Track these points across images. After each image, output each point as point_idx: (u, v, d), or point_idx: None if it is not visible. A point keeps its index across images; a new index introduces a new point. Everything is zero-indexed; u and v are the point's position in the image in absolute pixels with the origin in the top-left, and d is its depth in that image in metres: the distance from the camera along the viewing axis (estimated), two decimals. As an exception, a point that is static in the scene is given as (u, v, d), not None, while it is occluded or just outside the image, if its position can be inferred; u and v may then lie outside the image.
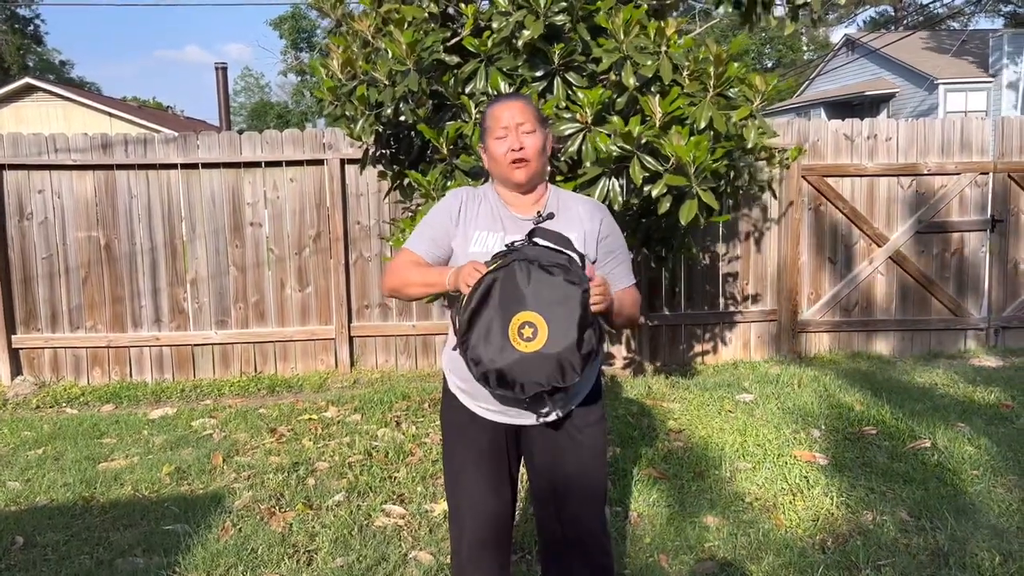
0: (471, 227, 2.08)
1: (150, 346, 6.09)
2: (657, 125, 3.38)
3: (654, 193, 3.37)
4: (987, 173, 6.30)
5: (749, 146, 3.53)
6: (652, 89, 3.53)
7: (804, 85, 29.02)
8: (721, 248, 6.23)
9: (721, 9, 4.23)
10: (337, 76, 3.89)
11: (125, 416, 5.17)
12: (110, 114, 22.07)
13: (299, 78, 39.29)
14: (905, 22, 31.76)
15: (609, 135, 3.41)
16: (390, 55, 3.65)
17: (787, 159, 4.28)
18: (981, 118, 6.56)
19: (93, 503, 3.68)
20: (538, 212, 2.06)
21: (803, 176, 6.15)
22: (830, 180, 6.21)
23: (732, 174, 3.96)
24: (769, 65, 38.75)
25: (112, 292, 6.05)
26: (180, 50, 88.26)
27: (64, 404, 5.60)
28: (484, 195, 2.16)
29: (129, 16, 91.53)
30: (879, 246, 6.28)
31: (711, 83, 3.41)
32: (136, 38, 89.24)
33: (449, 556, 2.36)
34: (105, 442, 4.62)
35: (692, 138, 3.20)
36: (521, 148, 2.04)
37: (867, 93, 22.72)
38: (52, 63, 40.84)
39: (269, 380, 6.00)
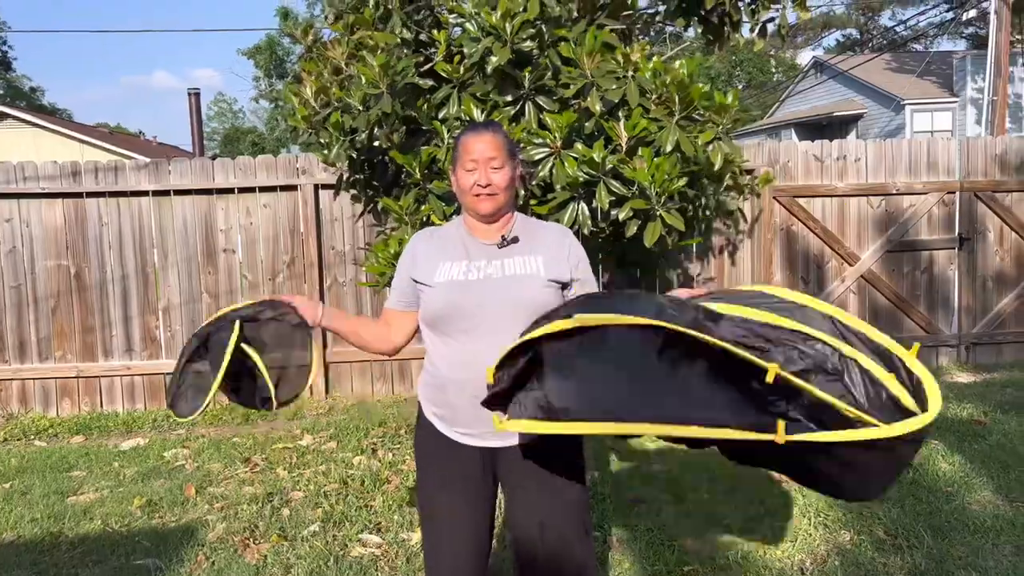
0: (434, 260, 2.11)
1: (121, 376, 5.99)
2: (623, 149, 3.41)
3: (620, 217, 3.40)
4: (954, 192, 6.41)
5: (716, 168, 3.56)
6: (619, 113, 3.56)
7: (775, 106, 29.49)
8: (695, 268, 6.27)
9: (691, 31, 4.30)
10: (310, 104, 3.89)
11: (95, 448, 5.07)
12: (82, 141, 21.89)
13: (273, 104, 39.22)
14: (871, 44, 32.44)
15: (577, 159, 3.44)
16: (363, 80, 3.65)
17: (756, 186, 4.32)
18: (947, 138, 6.69)
19: (61, 538, 3.60)
20: (502, 236, 2.09)
21: (774, 197, 6.22)
22: (801, 201, 6.29)
23: (703, 201, 3.99)
24: (740, 87, 39.35)
25: (82, 321, 5.96)
26: (149, 75, 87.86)
27: (32, 436, 5.49)
28: (447, 230, 2.21)
29: (98, 42, 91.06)
30: (851, 265, 6.36)
31: (676, 107, 3.45)
32: (106, 64, 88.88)
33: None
34: (74, 475, 4.52)
35: (654, 160, 3.23)
36: (488, 184, 2.06)
37: (836, 114, 23.11)
38: (22, 90, 40.47)
39: (243, 409, 5.91)
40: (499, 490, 2.20)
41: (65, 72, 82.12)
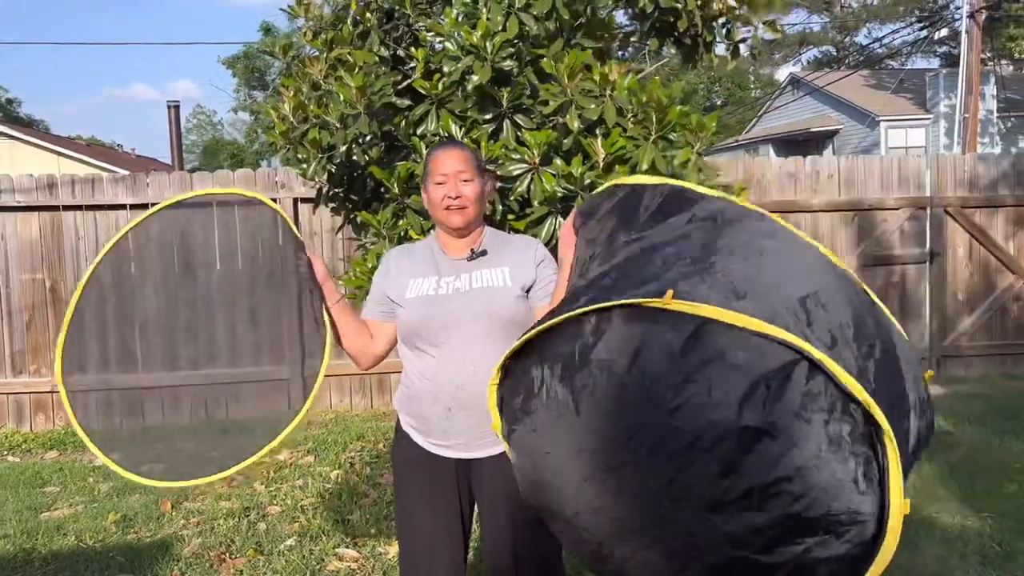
0: (406, 277, 2.16)
1: (95, 391, 5.94)
2: (600, 166, 3.47)
3: (598, 232, 3.46)
4: (924, 208, 6.55)
5: (692, 187, 3.63)
6: (597, 131, 3.62)
7: (752, 122, 29.85)
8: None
9: (666, 50, 4.37)
10: (289, 119, 3.91)
11: (70, 463, 5.03)
12: (59, 153, 21.68)
13: (253, 117, 39.12)
14: (847, 61, 32.96)
15: (555, 175, 3.49)
16: (341, 99, 3.69)
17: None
18: (918, 155, 6.84)
19: (34, 555, 3.57)
20: (471, 250, 2.15)
21: (749, 212, 6.31)
22: (776, 216, 6.38)
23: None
24: (719, 103, 39.79)
25: (57, 336, 5.91)
26: (127, 87, 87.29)
27: (6, 452, 5.43)
28: (420, 246, 2.27)
29: (76, 54, 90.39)
30: (824, 279, 6.45)
31: (653, 127, 3.52)
32: (84, 76, 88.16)
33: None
34: (48, 491, 4.49)
35: (632, 177, 3.29)
36: (458, 196, 2.11)
37: (812, 130, 23.45)
38: (-2, 101, 40.09)
39: (220, 422, 5.88)
40: (473, 501, 2.23)
41: (42, 84, 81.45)
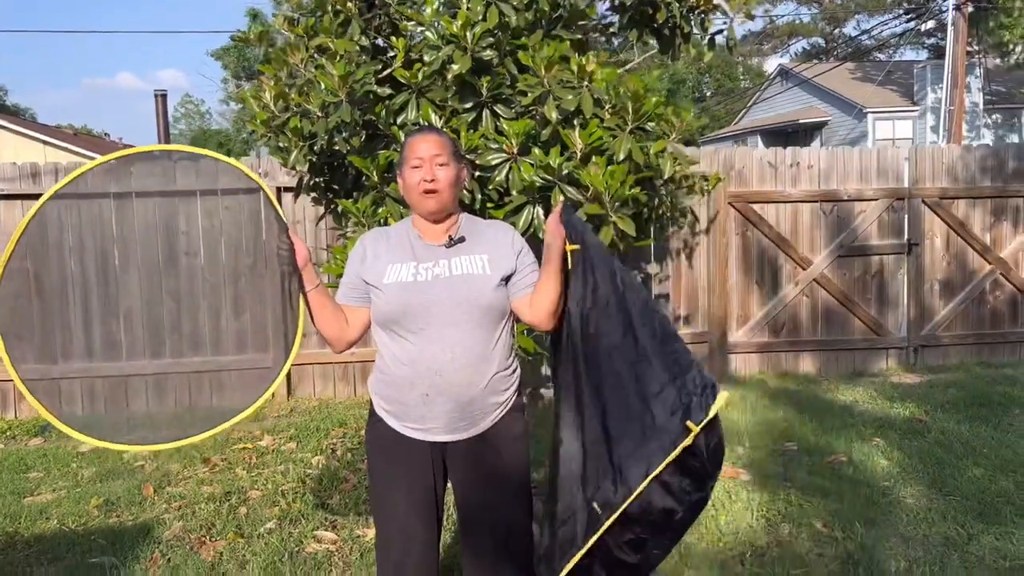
0: (383, 262, 2.16)
1: (81, 378, 5.98)
2: (578, 156, 3.52)
3: (575, 221, 3.51)
4: (903, 199, 6.63)
5: (666, 176, 3.69)
6: (575, 122, 3.67)
7: (741, 113, 29.92)
8: (653, 268, 6.40)
9: (646, 40, 4.42)
10: (270, 108, 3.94)
11: (53, 450, 5.07)
12: (44, 142, 21.57)
13: (240, 106, 38.87)
14: (835, 53, 33.05)
15: (533, 165, 3.54)
16: (323, 87, 3.72)
17: (708, 187, 4.47)
18: (897, 147, 6.91)
19: (17, 538, 3.61)
20: (449, 236, 2.17)
21: (730, 203, 6.38)
22: (755, 206, 6.46)
23: (656, 201, 4.12)
24: (708, 94, 39.83)
25: (42, 324, 5.94)
26: (113, 77, 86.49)
27: (-10, 439, 5.47)
28: (396, 230, 2.27)
29: (62, 43, 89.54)
30: (803, 269, 6.54)
31: (629, 117, 3.57)
32: (70, 65, 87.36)
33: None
34: (31, 476, 4.53)
35: (608, 168, 3.35)
36: (433, 180, 2.13)
37: (800, 121, 23.55)
38: (-17, 90, 39.71)
39: (204, 410, 5.93)
40: (446, 483, 2.28)
41: (28, 73, 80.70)
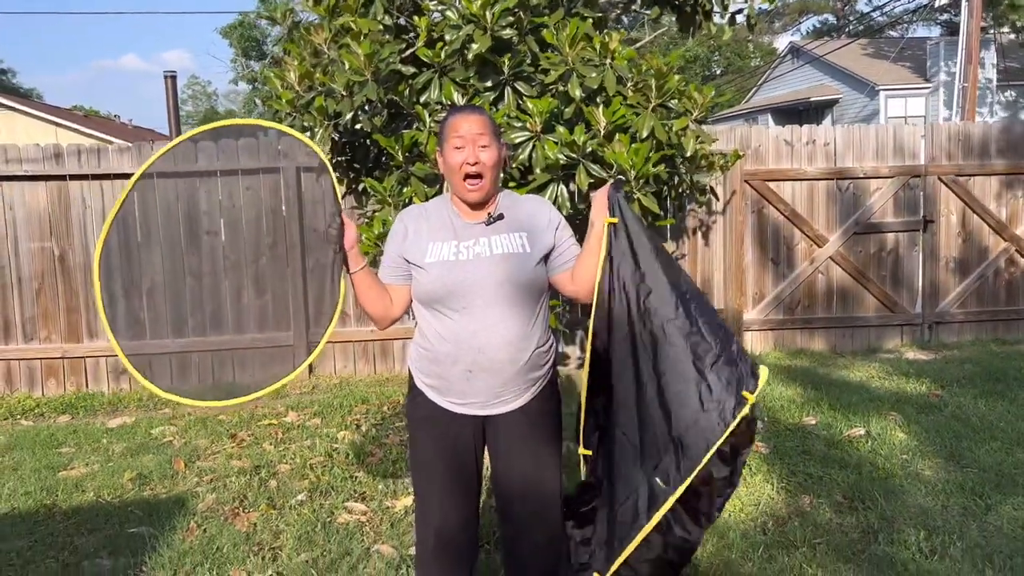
0: (424, 241, 2.19)
1: (106, 356, 6.08)
2: (601, 134, 3.55)
3: (599, 198, 3.55)
4: (919, 176, 6.63)
5: (688, 154, 3.73)
6: (597, 100, 3.70)
7: (752, 91, 29.73)
8: (670, 247, 6.44)
9: (665, 18, 4.44)
10: (294, 87, 3.98)
11: (82, 426, 5.17)
12: (56, 124, 21.62)
13: (250, 87, 38.84)
14: (847, 30, 32.74)
15: (557, 143, 3.58)
16: (347, 66, 3.76)
17: (727, 163, 4.50)
18: (913, 124, 6.90)
19: (55, 510, 3.71)
20: (488, 214, 2.19)
21: (746, 180, 6.40)
22: (771, 184, 6.48)
23: (676, 179, 4.15)
24: (718, 72, 39.54)
25: (66, 303, 6.03)
26: (117, 58, 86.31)
27: (19, 416, 5.56)
28: (435, 208, 2.27)
29: (66, 23, 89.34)
30: (819, 247, 6.56)
31: (652, 95, 3.60)
32: (73, 46, 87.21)
33: (412, 548, 2.47)
34: (64, 451, 4.63)
35: (632, 145, 3.39)
36: (476, 163, 2.13)
37: (812, 99, 23.38)
38: (-8, 71, 39.73)
39: (227, 388, 6.02)
40: (484, 454, 2.33)
41: (32, 54, 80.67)
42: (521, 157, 3.80)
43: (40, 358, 6.03)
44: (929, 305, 6.73)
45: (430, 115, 3.85)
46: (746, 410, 1.88)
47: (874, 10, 30.31)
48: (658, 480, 1.95)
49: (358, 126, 3.96)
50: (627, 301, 2.07)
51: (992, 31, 22.76)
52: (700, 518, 1.99)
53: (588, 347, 2.21)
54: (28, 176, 5.92)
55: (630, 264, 2.07)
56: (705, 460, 1.89)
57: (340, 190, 2.41)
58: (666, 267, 2.08)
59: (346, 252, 2.19)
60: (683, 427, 1.93)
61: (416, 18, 3.96)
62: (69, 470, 4.28)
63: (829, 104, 23.58)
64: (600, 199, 2.15)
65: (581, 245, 2.23)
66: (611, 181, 2.20)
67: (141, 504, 3.74)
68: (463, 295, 2.12)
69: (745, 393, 1.89)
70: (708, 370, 1.94)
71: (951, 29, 27.99)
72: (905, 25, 31.62)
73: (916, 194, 6.65)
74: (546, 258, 2.21)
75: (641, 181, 3.45)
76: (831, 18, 36.96)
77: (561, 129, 3.64)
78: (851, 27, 33.12)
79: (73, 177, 5.97)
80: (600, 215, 2.12)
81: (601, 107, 3.64)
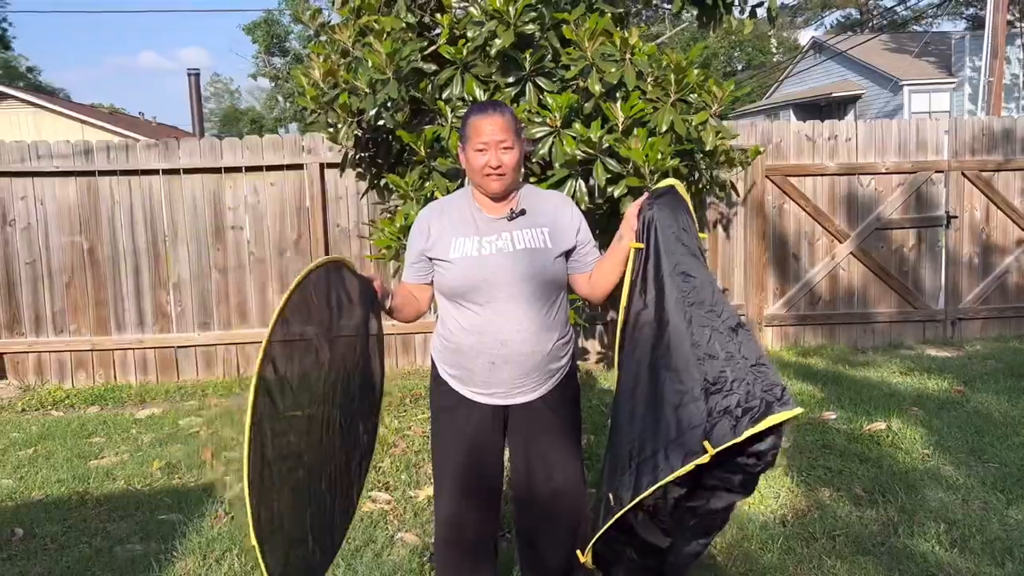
0: (447, 237, 2.22)
1: (134, 349, 6.19)
2: (619, 129, 3.58)
3: (616, 194, 3.58)
4: (942, 171, 6.59)
5: (708, 148, 3.74)
6: (617, 95, 3.73)
7: (773, 87, 29.52)
8: (690, 246, 6.45)
9: (685, 14, 4.46)
10: (319, 85, 4.05)
11: (112, 417, 5.28)
12: (82, 121, 21.90)
13: (273, 83, 39.13)
14: (871, 25, 32.41)
15: (575, 138, 3.61)
16: (370, 64, 3.82)
17: (747, 158, 4.51)
18: (936, 119, 6.85)
19: (88, 497, 3.81)
20: (511, 209, 2.23)
21: (767, 176, 6.40)
22: (793, 180, 6.47)
23: (696, 174, 4.17)
24: (740, 68, 39.29)
25: (95, 296, 6.15)
26: (134, 56, 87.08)
27: (49, 407, 5.69)
28: (456, 203, 2.30)
29: (86, 22, 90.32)
30: (841, 242, 6.55)
31: (672, 89, 3.62)
32: (92, 44, 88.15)
33: (433, 536, 2.52)
34: (94, 441, 4.74)
35: (648, 140, 3.41)
36: (499, 166, 2.16)
37: (834, 95, 23.19)
38: (18, 69, 40.30)
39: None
40: (505, 442, 2.38)
41: (54, 52, 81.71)
42: (541, 152, 3.84)
43: (70, 350, 6.15)
44: (951, 301, 6.69)
45: (452, 111, 3.90)
46: (703, 459, 1.76)
47: (898, 4, 29.95)
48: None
49: (381, 122, 4.02)
50: (649, 329, 2.02)
51: (1019, 25, 22.43)
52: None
53: (617, 375, 2.20)
54: (59, 172, 6.05)
55: (653, 292, 2.01)
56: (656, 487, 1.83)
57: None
58: (691, 293, 1.96)
59: (380, 301, 2.22)
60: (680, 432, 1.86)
61: (439, 15, 4.01)
62: (100, 459, 4.38)
63: (852, 99, 23.37)
64: (630, 216, 2.13)
65: (595, 239, 2.28)
66: (646, 194, 2.15)
67: (170, 492, 3.82)
68: (486, 289, 2.17)
69: (706, 443, 1.78)
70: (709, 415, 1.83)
71: (976, 23, 27.61)
72: (929, 20, 31.23)
73: (939, 189, 6.61)
74: (566, 255, 2.26)
75: (656, 176, 3.47)
76: (854, 12, 36.58)
77: (578, 125, 3.67)
78: (875, 22, 32.77)
79: (102, 173, 6.09)
80: (628, 233, 2.12)
81: (619, 102, 3.67)
